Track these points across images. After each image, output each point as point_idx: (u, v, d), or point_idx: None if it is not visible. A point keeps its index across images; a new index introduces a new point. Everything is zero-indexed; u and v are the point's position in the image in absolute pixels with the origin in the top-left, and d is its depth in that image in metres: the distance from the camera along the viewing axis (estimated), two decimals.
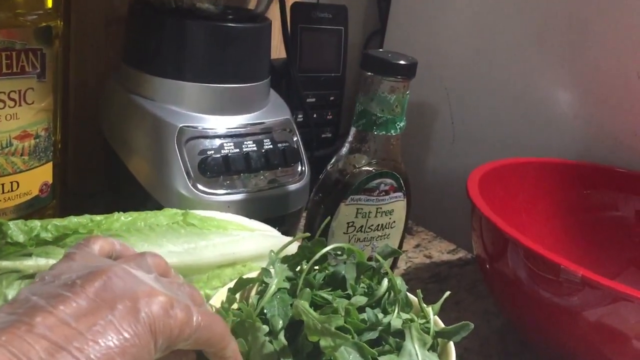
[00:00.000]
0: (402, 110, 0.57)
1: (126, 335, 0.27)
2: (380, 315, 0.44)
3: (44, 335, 0.26)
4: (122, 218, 0.47)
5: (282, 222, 0.65)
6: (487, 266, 0.59)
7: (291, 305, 0.44)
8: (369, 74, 0.56)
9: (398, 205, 0.61)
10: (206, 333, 0.32)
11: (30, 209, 0.61)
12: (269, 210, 0.64)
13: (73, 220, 0.47)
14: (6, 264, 0.41)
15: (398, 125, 0.58)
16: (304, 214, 0.70)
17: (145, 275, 0.32)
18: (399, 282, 0.47)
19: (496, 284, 0.60)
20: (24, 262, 0.41)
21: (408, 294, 0.48)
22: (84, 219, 0.48)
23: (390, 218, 0.61)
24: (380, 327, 0.43)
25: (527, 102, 0.81)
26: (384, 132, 0.57)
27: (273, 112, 0.68)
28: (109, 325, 0.27)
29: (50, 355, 0.25)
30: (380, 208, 0.60)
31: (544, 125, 0.79)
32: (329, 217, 0.57)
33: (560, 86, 0.77)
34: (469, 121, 0.89)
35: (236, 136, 0.63)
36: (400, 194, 0.61)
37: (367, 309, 0.45)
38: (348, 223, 0.59)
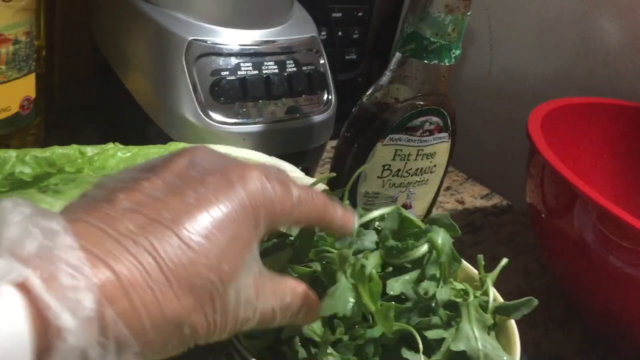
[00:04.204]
0: (459, 35, 0.48)
1: (223, 208, 0.24)
2: (424, 285, 0.35)
3: (131, 209, 0.22)
4: (118, 154, 0.38)
5: (303, 159, 0.57)
6: (543, 219, 0.51)
7: None
8: None
9: (441, 148, 0.52)
10: (307, 208, 0.28)
11: (10, 129, 0.53)
12: (289, 144, 0.55)
13: (57, 151, 0.39)
14: None
15: (453, 53, 0.48)
16: (327, 150, 0.62)
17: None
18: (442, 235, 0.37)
19: (551, 241, 0.52)
20: None
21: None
22: (71, 150, 0.39)
23: (431, 162, 0.52)
24: (423, 303, 0.35)
25: (581, 33, 0.71)
26: (435, 62, 0.48)
27: (297, 28, 0.58)
28: (202, 199, 0.24)
29: (141, 228, 0.22)
30: (422, 150, 0.51)
31: (598, 61, 0.69)
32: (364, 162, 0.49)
33: (617, 16, 0.67)
34: (511, 50, 0.79)
35: (255, 55, 0.53)
36: (445, 134, 0.52)
37: (401, 278, 0.36)
38: (384, 166, 0.51)
